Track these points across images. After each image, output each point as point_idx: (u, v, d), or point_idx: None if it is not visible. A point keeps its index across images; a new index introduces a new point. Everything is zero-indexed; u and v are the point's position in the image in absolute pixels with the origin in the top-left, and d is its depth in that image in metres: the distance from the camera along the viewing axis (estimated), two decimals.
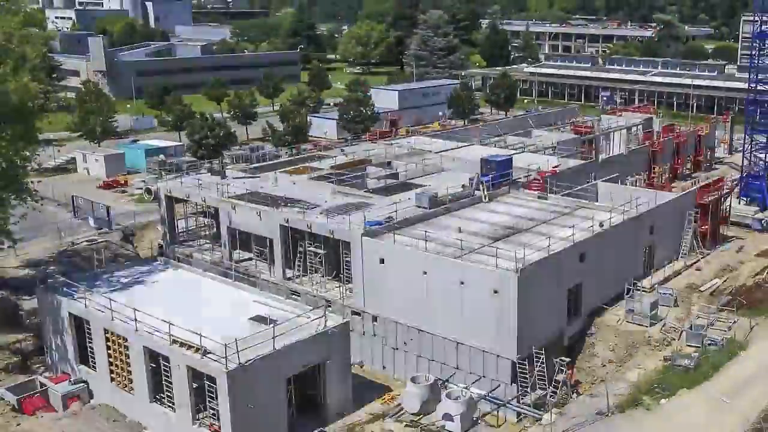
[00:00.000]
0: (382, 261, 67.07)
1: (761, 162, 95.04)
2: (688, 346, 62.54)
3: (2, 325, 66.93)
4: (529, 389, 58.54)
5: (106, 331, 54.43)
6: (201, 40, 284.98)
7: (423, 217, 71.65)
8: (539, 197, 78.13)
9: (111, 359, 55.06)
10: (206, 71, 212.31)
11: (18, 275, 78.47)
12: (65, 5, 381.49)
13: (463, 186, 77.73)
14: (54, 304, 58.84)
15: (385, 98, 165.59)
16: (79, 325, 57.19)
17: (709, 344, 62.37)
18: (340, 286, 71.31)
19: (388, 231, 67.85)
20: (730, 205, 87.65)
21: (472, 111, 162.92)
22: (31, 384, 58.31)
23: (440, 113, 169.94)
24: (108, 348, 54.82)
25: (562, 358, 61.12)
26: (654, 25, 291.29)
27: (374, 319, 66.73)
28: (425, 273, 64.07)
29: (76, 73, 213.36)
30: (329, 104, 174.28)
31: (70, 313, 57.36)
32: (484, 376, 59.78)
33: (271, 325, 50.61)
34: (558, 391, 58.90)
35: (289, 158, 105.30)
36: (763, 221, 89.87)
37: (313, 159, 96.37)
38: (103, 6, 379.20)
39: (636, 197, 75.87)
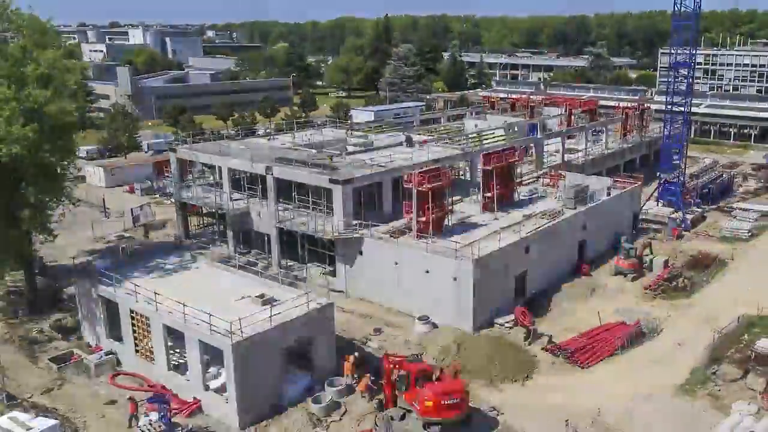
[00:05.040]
0: (360, 253, 67.51)
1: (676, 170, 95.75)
2: None
3: (45, 307, 66.90)
4: None
5: (131, 311, 54.45)
6: (210, 69, 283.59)
7: None
8: None
9: (135, 334, 55.01)
10: (214, 95, 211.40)
11: (57, 264, 78.38)
12: (98, 40, 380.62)
13: None
14: (89, 289, 58.81)
15: (363, 117, 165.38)
16: (109, 306, 57.15)
17: None
18: (326, 274, 71.77)
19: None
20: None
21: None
22: (69, 355, 58.26)
23: None
24: (133, 325, 54.76)
25: None
26: (587, 56, 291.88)
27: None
28: (396, 263, 64.61)
29: (106, 97, 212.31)
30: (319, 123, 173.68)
31: (101, 296, 57.28)
32: None
33: (269, 306, 50.91)
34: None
35: None
36: (677, 220, 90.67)
37: None
38: (129, 41, 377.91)
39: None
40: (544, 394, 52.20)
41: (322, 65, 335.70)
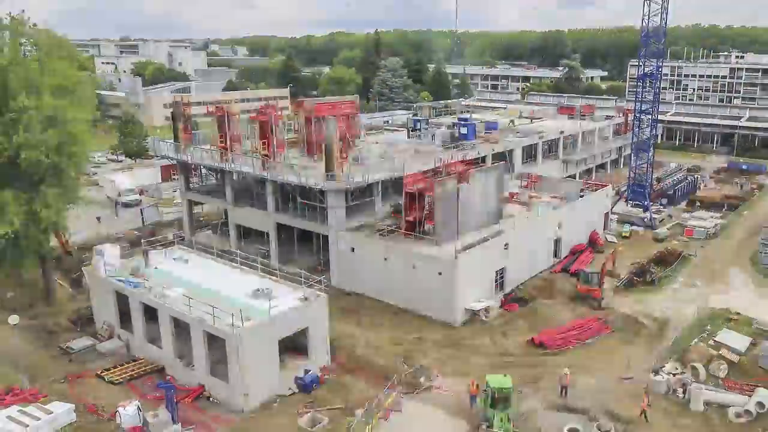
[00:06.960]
0: (353, 249, 67.61)
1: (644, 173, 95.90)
2: None
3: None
4: None
5: (141, 303, 54.47)
6: (214, 81, 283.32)
7: None
8: None
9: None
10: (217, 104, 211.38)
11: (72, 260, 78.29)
12: (109, 53, 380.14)
13: None
14: (101, 283, 58.81)
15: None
16: (121, 299, 57.14)
17: None
18: (321, 268, 71.77)
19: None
20: None
21: None
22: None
23: None
24: (143, 316, 54.92)
25: None
26: (561, 68, 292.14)
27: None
28: (386, 259, 64.70)
29: (117, 106, 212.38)
30: None
31: (114, 290, 57.33)
32: None
33: (267, 299, 51.01)
34: None
35: None
36: (645, 219, 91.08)
37: None
38: (138, 54, 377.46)
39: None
40: None
41: (317, 77, 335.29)
